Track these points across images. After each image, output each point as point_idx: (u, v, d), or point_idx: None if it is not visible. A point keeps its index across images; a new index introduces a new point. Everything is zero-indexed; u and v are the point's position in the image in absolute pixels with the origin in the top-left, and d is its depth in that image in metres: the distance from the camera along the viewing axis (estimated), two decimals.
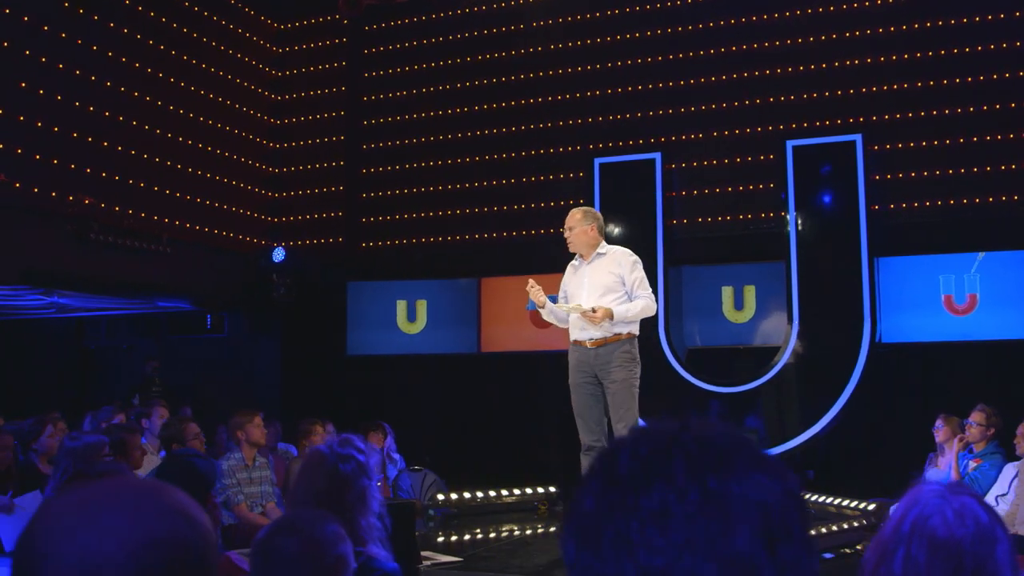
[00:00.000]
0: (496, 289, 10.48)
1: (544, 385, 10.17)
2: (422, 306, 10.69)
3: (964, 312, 8.84)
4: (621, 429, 5.87)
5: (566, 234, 6.13)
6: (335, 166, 11.19)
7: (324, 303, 10.80)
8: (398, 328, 10.69)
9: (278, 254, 10.22)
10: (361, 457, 2.94)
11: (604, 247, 6.11)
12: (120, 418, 6.94)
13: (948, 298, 8.89)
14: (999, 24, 8.90)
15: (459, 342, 10.56)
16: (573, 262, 6.26)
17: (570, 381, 6.05)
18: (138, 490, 1.07)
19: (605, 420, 6.04)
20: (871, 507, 5.96)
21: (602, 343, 5.86)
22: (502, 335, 10.48)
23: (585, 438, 6.04)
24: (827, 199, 9.01)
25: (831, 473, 8.69)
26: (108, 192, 8.89)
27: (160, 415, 7.27)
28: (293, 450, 8.34)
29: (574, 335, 5.99)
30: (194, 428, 5.85)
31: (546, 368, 10.12)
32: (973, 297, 8.80)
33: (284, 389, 10.98)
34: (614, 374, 5.83)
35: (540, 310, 6.14)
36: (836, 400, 8.67)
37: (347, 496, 2.85)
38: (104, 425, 6.87)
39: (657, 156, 9.56)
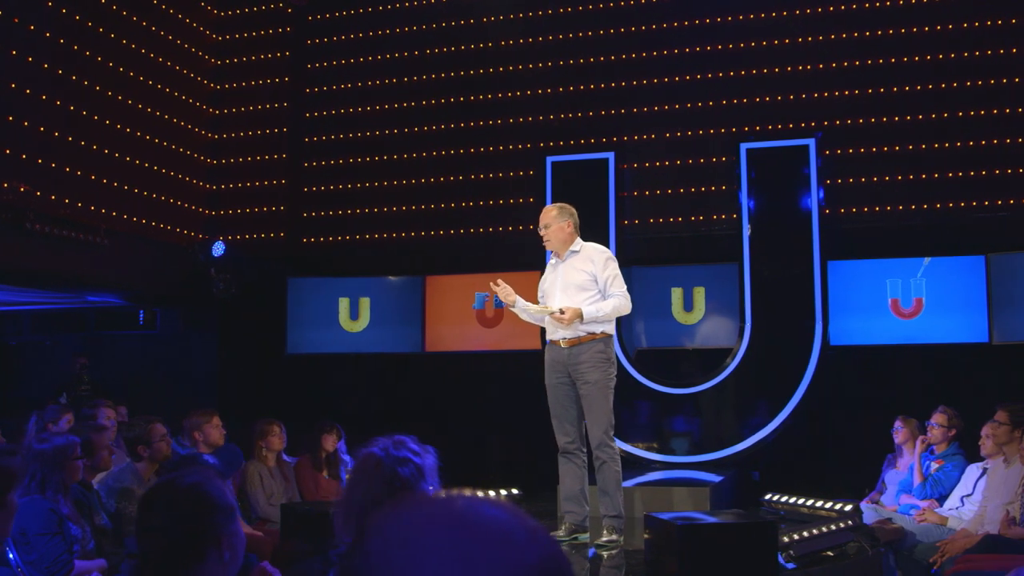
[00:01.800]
0: (441, 287, 10.30)
1: (491, 386, 10.05)
2: (365, 304, 10.44)
3: (910, 316, 9.01)
4: (595, 432, 5.79)
5: (542, 231, 5.98)
6: (277, 159, 10.86)
7: (263, 300, 10.46)
8: (340, 326, 10.42)
9: (218, 248, 9.85)
10: (417, 459, 2.77)
11: (579, 244, 6.00)
12: (68, 418, 6.56)
13: (895, 302, 9.05)
14: (949, 34, 9.09)
15: (403, 341, 10.34)
16: (551, 261, 6.14)
17: (545, 381, 5.95)
18: (498, 512, 0.91)
19: (582, 422, 5.95)
20: (847, 507, 5.99)
21: (576, 343, 5.76)
22: (447, 334, 10.31)
23: (560, 440, 5.95)
24: (780, 202, 9.06)
25: (776, 474, 8.75)
26: (44, 180, 8.43)
27: (106, 416, 6.91)
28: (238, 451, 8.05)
29: (549, 334, 5.91)
30: (160, 429, 5.56)
31: (493, 369, 10.01)
32: (919, 301, 8.97)
33: (220, 389, 10.60)
34: (587, 375, 5.74)
35: (512, 309, 6.02)
36: (787, 402, 8.74)
37: None
38: (52, 426, 6.50)
39: (610, 156, 9.51)
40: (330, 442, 7.55)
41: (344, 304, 10.41)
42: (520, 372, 9.68)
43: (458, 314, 10.20)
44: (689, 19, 9.78)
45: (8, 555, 4.45)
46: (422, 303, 10.34)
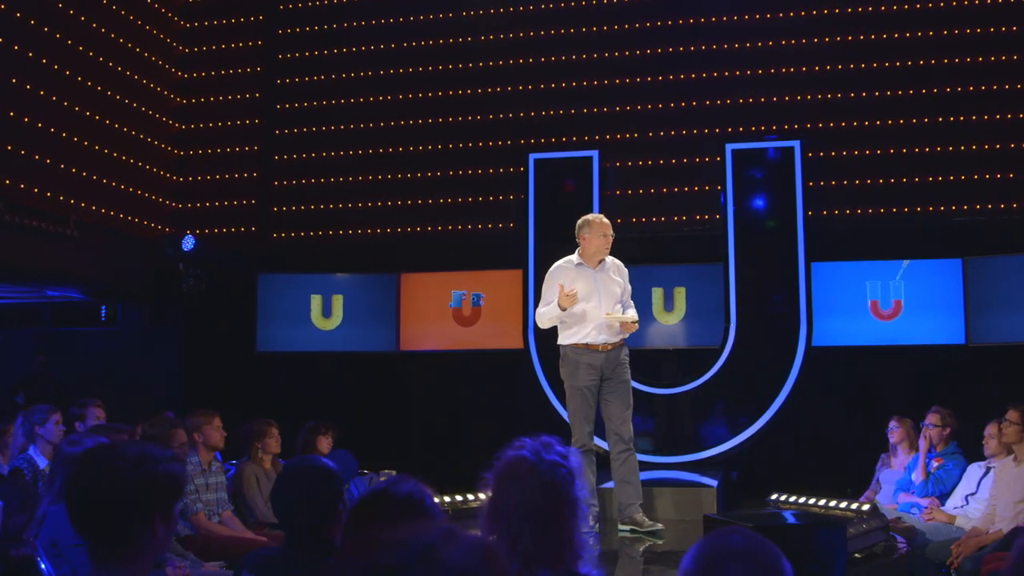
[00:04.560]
0: (416, 285, 10.13)
1: (467, 386, 9.92)
2: (338, 301, 10.20)
3: (889, 317, 9.14)
4: (628, 427, 6.20)
5: (609, 239, 6.23)
6: (248, 151, 10.53)
7: (232, 296, 10.14)
8: (312, 324, 10.16)
9: (188, 242, 9.48)
10: (567, 462, 2.63)
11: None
12: (56, 418, 6.21)
13: (874, 303, 9.17)
14: (931, 40, 9.25)
15: (377, 340, 10.14)
16: (563, 264, 6.29)
17: (576, 383, 6.13)
18: None
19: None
20: (865, 507, 6.00)
21: (612, 347, 6.14)
22: (422, 333, 10.14)
23: (584, 439, 6.08)
24: (765, 203, 9.08)
25: (758, 475, 8.79)
26: (10, 168, 8.01)
27: (95, 416, 6.62)
28: (216, 455, 7.77)
29: (587, 338, 6.10)
30: (181, 436, 5.29)
31: (469, 368, 9.87)
32: (898, 303, 9.11)
33: (185, 387, 10.24)
34: (623, 375, 6.18)
35: (560, 309, 5.98)
36: (772, 402, 8.76)
37: (564, 510, 2.53)
38: (38, 428, 6.17)
39: (594, 154, 9.42)
40: (324, 444, 7.32)
41: (316, 301, 10.17)
42: (496, 372, 9.58)
43: (433, 312, 10.05)
44: (674, 19, 9.78)
45: (40, 566, 4.19)
46: (396, 301, 10.15)
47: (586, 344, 6.07)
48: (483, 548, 1.03)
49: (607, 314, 6.03)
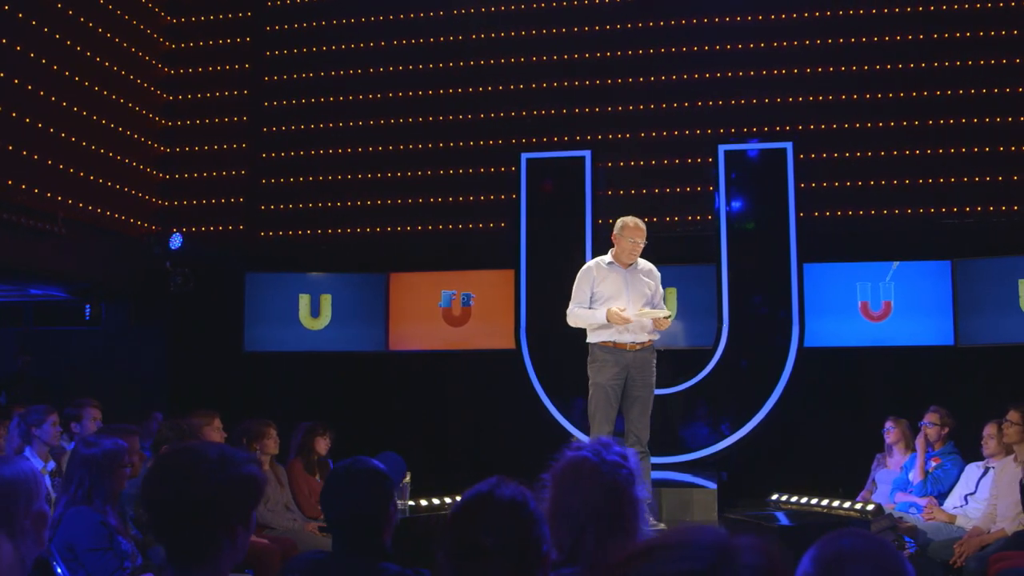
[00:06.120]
0: (405, 284, 10.07)
1: (456, 386, 9.87)
2: (326, 300, 10.11)
3: (879, 319, 9.21)
4: (647, 430, 6.16)
5: (637, 247, 6.19)
6: (236, 149, 10.40)
7: (219, 295, 10.01)
8: (300, 323, 10.07)
9: (176, 240, 9.36)
10: (627, 463, 2.60)
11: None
12: (53, 419, 6.09)
13: (864, 304, 9.24)
14: (922, 44, 9.33)
15: (365, 339, 10.07)
16: (594, 264, 6.32)
17: (600, 381, 6.09)
18: None
19: None
20: (869, 507, 6.02)
21: (640, 347, 6.16)
22: (411, 333, 10.07)
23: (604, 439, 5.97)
24: (757, 204, 9.10)
25: (745, 475, 8.81)
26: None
27: (92, 417, 6.49)
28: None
29: (615, 336, 6.10)
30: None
31: (458, 368, 9.82)
32: (888, 304, 9.18)
33: (171, 388, 10.09)
34: (649, 378, 6.20)
35: (609, 311, 6.03)
36: (764, 403, 8.78)
37: (627, 510, 2.51)
38: (35, 430, 6.05)
39: (587, 154, 9.41)
40: (322, 445, 7.25)
41: (304, 301, 10.07)
42: (487, 372, 9.54)
43: (423, 312, 9.99)
44: (667, 20, 9.78)
45: (56, 570, 4.09)
46: (385, 300, 10.08)
47: (613, 343, 6.08)
48: (768, 548, 1.01)
49: (640, 310, 6.05)
